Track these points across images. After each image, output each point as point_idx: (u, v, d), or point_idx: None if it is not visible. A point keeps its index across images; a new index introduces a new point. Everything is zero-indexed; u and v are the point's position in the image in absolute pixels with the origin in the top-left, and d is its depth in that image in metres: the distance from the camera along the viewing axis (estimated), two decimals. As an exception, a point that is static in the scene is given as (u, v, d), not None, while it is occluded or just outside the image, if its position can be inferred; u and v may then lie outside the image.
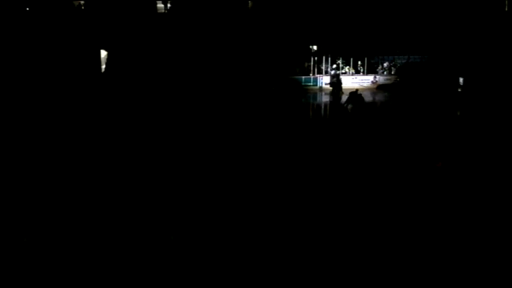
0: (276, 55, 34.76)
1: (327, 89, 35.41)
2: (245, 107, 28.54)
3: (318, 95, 34.72)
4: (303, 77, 35.99)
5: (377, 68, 37.26)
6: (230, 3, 35.68)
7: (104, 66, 33.40)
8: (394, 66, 37.18)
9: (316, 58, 36.23)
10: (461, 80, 33.72)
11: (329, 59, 36.06)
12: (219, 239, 12.97)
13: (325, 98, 34.20)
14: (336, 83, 34.35)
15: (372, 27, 35.04)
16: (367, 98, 33.91)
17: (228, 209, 14.72)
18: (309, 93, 34.70)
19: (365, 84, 36.21)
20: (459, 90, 33.41)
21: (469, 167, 18.53)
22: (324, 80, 36.02)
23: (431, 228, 13.62)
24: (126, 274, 11.37)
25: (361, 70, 36.71)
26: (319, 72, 36.24)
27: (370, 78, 36.54)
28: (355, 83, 35.93)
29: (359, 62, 36.61)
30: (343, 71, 36.33)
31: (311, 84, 35.96)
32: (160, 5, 36.58)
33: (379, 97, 32.26)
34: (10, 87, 28.04)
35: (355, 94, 28.94)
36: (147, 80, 31.39)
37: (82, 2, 34.34)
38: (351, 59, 36.37)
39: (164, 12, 36.57)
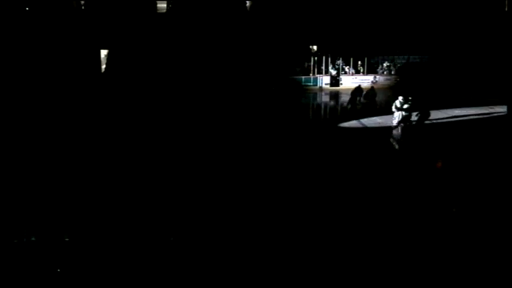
0: (276, 55, 34.77)
1: (327, 89, 35.44)
2: (245, 107, 28.54)
3: (318, 95, 34.72)
4: (303, 77, 36.02)
5: (377, 68, 37.29)
6: (229, 3, 35.71)
7: (104, 66, 33.42)
8: (394, 66, 37.20)
9: (316, 58, 36.24)
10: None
11: (329, 59, 36.09)
12: (219, 240, 12.97)
13: (325, 98, 34.21)
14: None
15: (372, 27, 35.06)
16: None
17: (227, 210, 14.71)
18: (309, 93, 34.71)
19: (365, 84, 36.20)
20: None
21: (470, 167, 18.53)
22: (324, 80, 36.05)
23: (431, 228, 13.61)
24: (126, 275, 11.37)
25: (361, 70, 36.73)
26: (319, 72, 36.27)
27: (370, 78, 36.56)
28: (355, 83, 35.95)
29: (359, 62, 36.63)
30: (343, 71, 36.36)
31: (311, 84, 35.99)
32: (160, 5, 36.60)
33: (379, 97, 32.20)
34: (10, 87, 28.05)
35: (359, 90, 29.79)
36: (147, 80, 31.41)
37: (82, 2, 34.33)
38: (351, 59, 36.39)
39: (164, 12, 36.58)
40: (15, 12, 31.91)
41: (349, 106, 29.40)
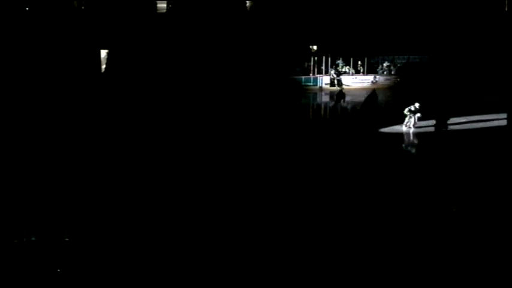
0: (276, 55, 34.76)
1: (327, 89, 35.41)
2: (245, 107, 28.53)
3: (318, 95, 34.71)
4: (303, 77, 36.00)
5: (377, 68, 37.27)
6: (229, 3, 35.70)
7: (104, 66, 33.41)
8: (394, 66, 37.19)
9: (316, 58, 36.23)
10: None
11: (329, 59, 36.08)
12: (219, 239, 12.97)
13: (325, 98, 34.21)
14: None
15: (372, 27, 35.04)
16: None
17: (227, 210, 14.72)
18: (309, 93, 34.69)
19: (365, 84, 36.24)
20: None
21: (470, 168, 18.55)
22: (324, 80, 36.04)
23: (431, 229, 13.61)
24: (126, 274, 11.38)
25: (361, 70, 36.71)
26: (319, 72, 36.25)
27: (370, 78, 36.54)
28: (355, 83, 36.03)
29: (359, 62, 36.61)
30: (343, 71, 36.35)
31: (311, 84, 35.97)
32: (160, 5, 36.59)
33: (379, 97, 32.22)
34: (10, 87, 28.04)
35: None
36: (147, 80, 31.39)
37: (83, 2, 34.29)
38: (351, 59, 36.37)
39: (164, 12, 36.56)
40: (15, 12, 31.90)
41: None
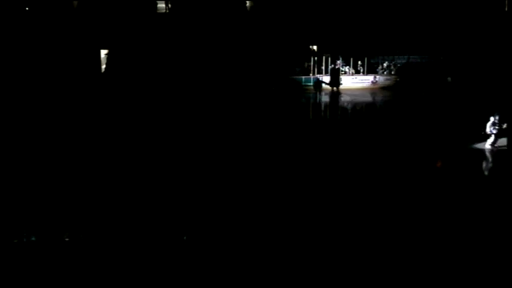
0: (276, 55, 34.75)
1: (326, 89, 35.38)
2: (245, 107, 28.53)
3: (317, 95, 34.70)
4: (303, 77, 35.98)
5: (377, 68, 37.25)
6: (229, 3, 35.71)
7: (104, 66, 33.42)
8: (394, 66, 37.17)
9: (316, 58, 36.22)
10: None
11: (329, 59, 36.07)
12: (219, 240, 12.97)
13: (325, 98, 34.20)
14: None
15: (372, 27, 35.03)
16: (367, 98, 34.04)
17: (228, 210, 14.72)
18: (309, 93, 34.69)
19: (365, 84, 36.24)
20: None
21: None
22: (324, 80, 36.01)
23: (430, 229, 13.61)
24: (127, 275, 11.37)
25: (361, 70, 36.70)
26: (319, 72, 36.24)
27: (370, 78, 36.54)
28: (355, 83, 36.03)
29: (359, 62, 36.61)
30: (343, 71, 36.33)
31: (311, 84, 35.94)
32: (160, 5, 36.61)
33: (379, 97, 32.22)
34: (10, 87, 28.05)
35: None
36: (147, 80, 31.40)
37: (82, 2, 34.29)
38: (351, 59, 36.36)
39: (164, 12, 36.58)
40: (15, 12, 31.91)
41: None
